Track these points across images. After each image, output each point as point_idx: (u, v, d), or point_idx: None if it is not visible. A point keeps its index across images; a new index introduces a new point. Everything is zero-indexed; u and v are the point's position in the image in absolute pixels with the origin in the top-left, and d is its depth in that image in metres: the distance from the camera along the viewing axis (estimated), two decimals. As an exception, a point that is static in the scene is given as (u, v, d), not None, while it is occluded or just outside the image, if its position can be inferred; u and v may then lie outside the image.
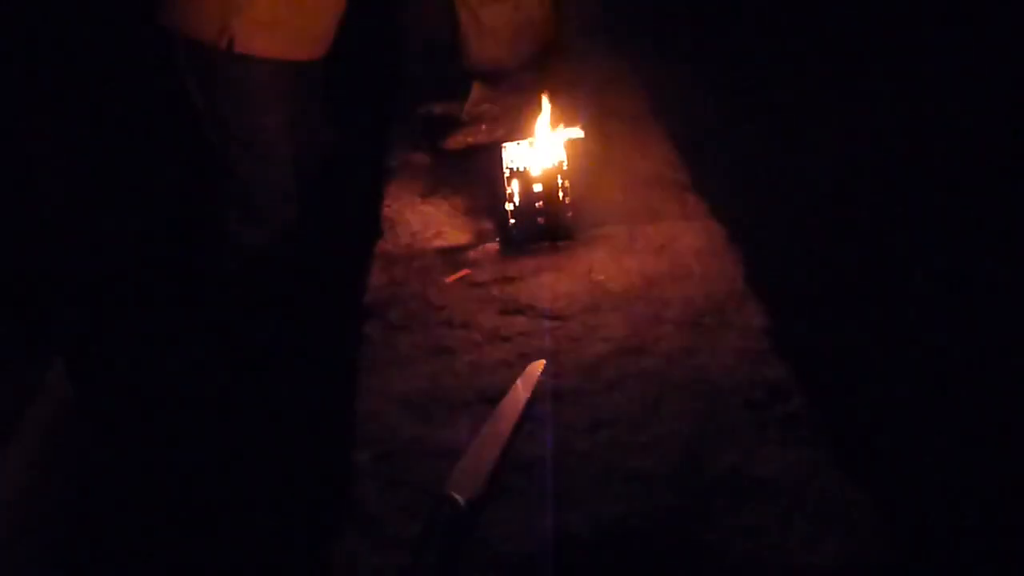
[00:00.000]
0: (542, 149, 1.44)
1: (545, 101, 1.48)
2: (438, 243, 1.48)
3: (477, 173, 1.68)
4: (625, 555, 0.90)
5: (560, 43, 2.08)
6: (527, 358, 1.17)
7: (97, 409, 1.78)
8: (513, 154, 1.43)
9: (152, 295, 1.75)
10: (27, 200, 2.08)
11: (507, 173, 1.41)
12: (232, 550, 1.68)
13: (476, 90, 1.88)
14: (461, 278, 1.37)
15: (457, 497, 0.93)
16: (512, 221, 1.44)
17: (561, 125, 1.48)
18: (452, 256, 1.43)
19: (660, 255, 1.38)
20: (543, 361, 1.16)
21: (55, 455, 1.60)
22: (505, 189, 1.43)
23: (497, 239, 1.47)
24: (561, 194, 1.41)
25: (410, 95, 2.02)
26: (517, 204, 1.42)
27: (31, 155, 2.03)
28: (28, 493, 1.50)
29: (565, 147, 1.44)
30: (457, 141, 1.78)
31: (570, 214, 1.45)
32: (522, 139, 1.48)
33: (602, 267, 1.37)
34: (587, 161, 1.66)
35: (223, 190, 1.85)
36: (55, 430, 1.61)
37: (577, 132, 1.47)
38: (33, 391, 1.58)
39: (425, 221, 1.55)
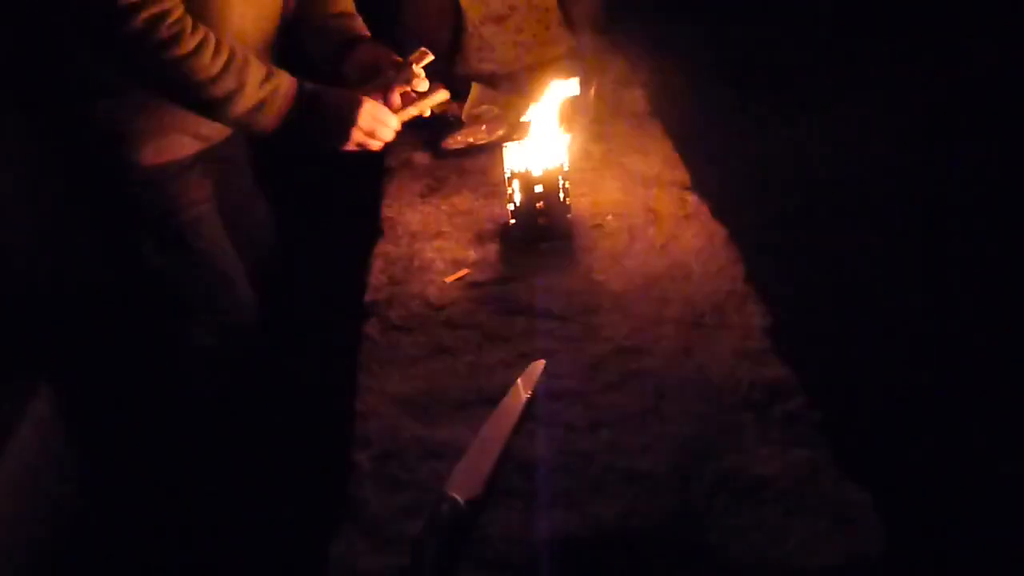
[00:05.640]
0: (543, 149, 1.43)
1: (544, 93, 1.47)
2: (438, 243, 1.48)
3: (477, 173, 1.69)
4: (625, 555, 0.90)
5: (564, 55, 2.09)
6: (527, 358, 1.17)
7: (84, 432, 1.78)
8: (514, 154, 1.43)
9: (140, 311, 1.72)
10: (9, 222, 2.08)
11: (508, 173, 1.41)
12: (232, 551, 1.68)
13: (476, 90, 1.88)
14: (461, 278, 1.37)
15: (457, 497, 0.93)
16: (512, 221, 1.44)
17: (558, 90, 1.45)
18: (452, 256, 1.43)
19: (660, 255, 1.38)
20: (543, 361, 1.16)
21: (41, 480, 1.60)
22: (506, 189, 1.43)
23: (497, 239, 1.47)
24: (562, 194, 1.41)
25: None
26: (517, 204, 1.42)
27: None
28: (13, 518, 1.50)
29: (565, 147, 1.44)
30: (457, 141, 1.78)
31: (570, 214, 1.45)
32: (522, 131, 1.46)
33: (602, 267, 1.37)
34: (587, 161, 1.67)
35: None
36: (41, 455, 1.60)
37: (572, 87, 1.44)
38: (19, 416, 1.57)
39: (425, 221, 1.55)
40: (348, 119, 1.36)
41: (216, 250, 1.60)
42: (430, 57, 1.46)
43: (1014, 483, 1.51)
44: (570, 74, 1.47)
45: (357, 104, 1.37)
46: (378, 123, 1.39)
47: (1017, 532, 1.42)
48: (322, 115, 1.35)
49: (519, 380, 1.12)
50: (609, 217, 1.49)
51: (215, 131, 1.53)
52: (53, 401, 1.68)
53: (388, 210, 1.60)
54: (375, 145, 1.41)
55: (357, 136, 1.38)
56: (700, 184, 1.58)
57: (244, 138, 1.72)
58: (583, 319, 1.25)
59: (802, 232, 2.11)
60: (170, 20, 1.22)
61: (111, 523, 1.75)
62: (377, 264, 1.44)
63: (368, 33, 1.61)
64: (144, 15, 1.19)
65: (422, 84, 1.46)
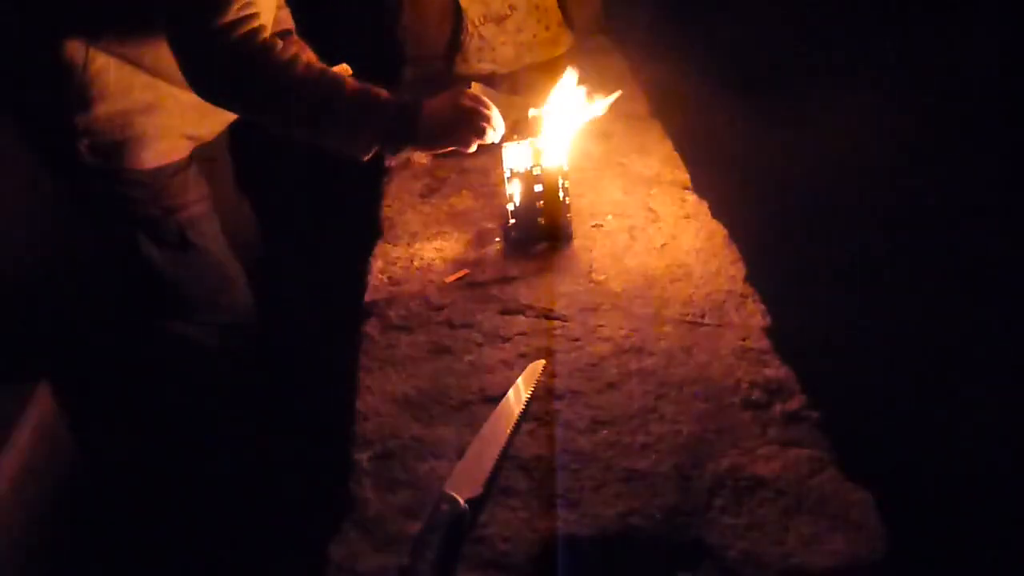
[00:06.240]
0: (543, 148, 1.43)
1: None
2: (438, 243, 1.48)
3: (477, 173, 1.69)
4: (625, 555, 0.90)
5: (565, 55, 2.09)
6: (527, 358, 1.17)
7: (85, 432, 1.77)
8: (513, 154, 1.43)
9: (140, 310, 1.72)
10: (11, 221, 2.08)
11: (508, 173, 1.41)
12: (232, 550, 1.68)
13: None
14: (461, 278, 1.37)
15: (457, 497, 0.93)
16: (512, 221, 1.44)
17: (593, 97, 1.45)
18: (452, 256, 1.44)
19: (660, 255, 1.38)
20: (543, 361, 1.16)
21: (41, 480, 1.60)
22: (506, 189, 1.43)
23: (497, 239, 1.47)
24: (561, 194, 1.41)
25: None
26: (517, 204, 1.42)
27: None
28: (13, 518, 1.49)
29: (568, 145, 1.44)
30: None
31: (570, 214, 1.45)
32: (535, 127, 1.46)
33: (602, 267, 1.37)
34: (587, 161, 1.66)
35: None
36: (41, 455, 1.60)
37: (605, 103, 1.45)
38: (19, 416, 1.57)
39: (425, 221, 1.55)
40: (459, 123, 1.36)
41: (216, 248, 1.61)
42: (348, 72, 1.46)
43: (1014, 483, 1.51)
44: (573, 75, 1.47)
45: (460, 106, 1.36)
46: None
47: (1017, 532, 1.42)
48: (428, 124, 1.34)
49: (519, 380, 1.13)
50: (609, 217, 1.49)
51: (205, 131, 1.55)
52: (53, 401, 1.68)
53: (388, 210, 1.60)
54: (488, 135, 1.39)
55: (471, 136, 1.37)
56: (700, 184, 1.58)
57: (227, 141, 1.72)
58: (583, 319, 1.25)
59: (802, 232, 2.11)
60: (263, 35, 1.24)
61: (111, 523, 1.75)
62: (377, 264, 1.44)
63: (292, 25, 1.64)
64: (241, 31, 1.22)
65: None
